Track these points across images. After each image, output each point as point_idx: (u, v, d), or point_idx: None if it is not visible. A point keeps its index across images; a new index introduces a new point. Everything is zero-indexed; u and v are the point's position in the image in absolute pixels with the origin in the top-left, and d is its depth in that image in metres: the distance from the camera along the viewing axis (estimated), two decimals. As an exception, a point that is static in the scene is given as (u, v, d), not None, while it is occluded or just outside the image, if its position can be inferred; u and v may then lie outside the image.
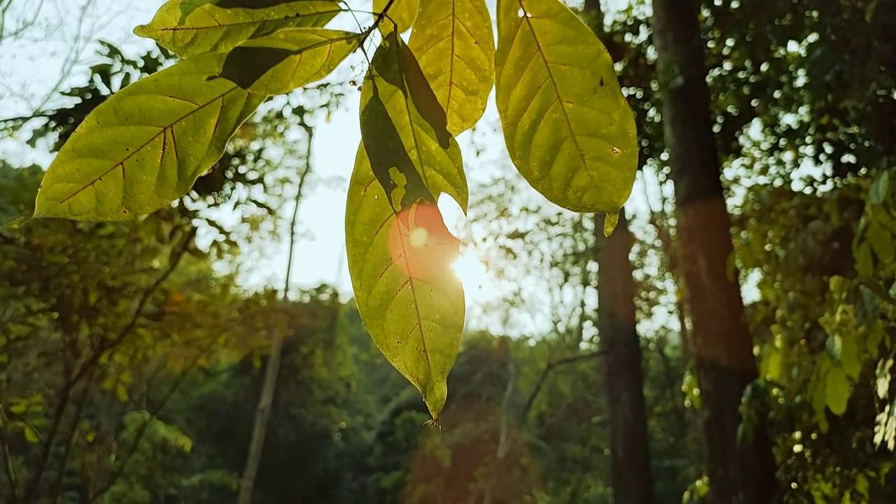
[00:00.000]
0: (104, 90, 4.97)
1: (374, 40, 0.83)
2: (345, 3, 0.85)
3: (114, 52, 4.99)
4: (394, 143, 0.80)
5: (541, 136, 0.85)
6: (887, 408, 2.97)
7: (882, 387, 2.84)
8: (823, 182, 7.92)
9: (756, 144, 10.88)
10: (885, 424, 2.96)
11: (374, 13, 0.84)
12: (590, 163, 0.84)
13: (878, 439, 2.98)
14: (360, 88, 0.82)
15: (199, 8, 0.80)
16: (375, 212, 0.81)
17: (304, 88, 7.20)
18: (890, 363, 2.85)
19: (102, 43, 4.99)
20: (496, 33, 0.86)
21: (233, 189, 5.96)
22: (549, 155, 0.85)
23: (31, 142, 5.24)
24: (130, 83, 0.79)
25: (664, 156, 10.01)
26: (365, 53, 0.83)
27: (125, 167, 0.77)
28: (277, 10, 0.82)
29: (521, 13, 0.83)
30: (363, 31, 0.83)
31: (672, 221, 19.94)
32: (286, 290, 21.66)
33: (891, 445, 2.85)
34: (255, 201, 6.18)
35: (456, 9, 0.88)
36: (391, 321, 0.80)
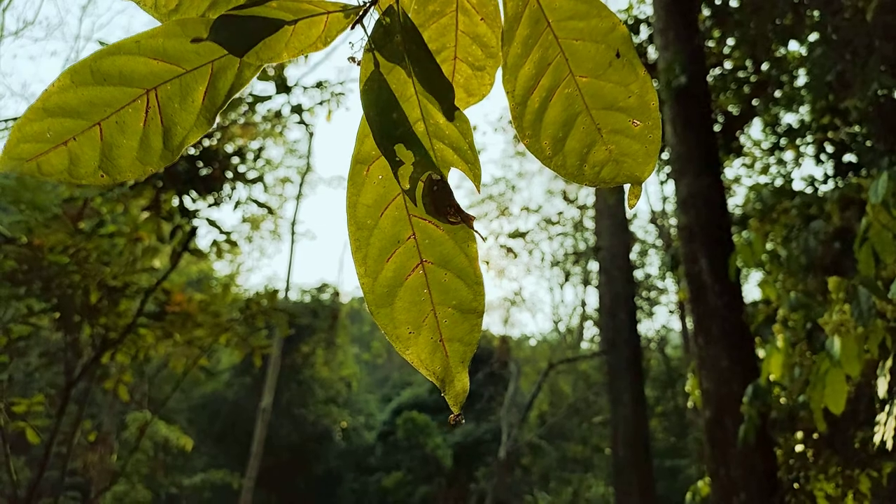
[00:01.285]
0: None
1: (374, 15, 0.79)
2: (342, -27, 0.81)
3: (114, 52, 4.99)
4: (398, 114, 0.74)
5: (552, 112, 0.80)
6: (887, 407, 2.97)
7: (882, 386, 2.84)
8: (825, 182, 7.91)
9: (757, 144, 10.88)
10: (885, 424, 2.96)
11: None
12: (607, 136, 0.79)
13: (877, 439, 2.98)
14: (359, 63, 0.78)
15: None
16: (380, 192, 0.76)
17: (304, 88, 7.20)
18: (889, 363, 2.84)
19: (102, 44, 5.00)
20: (502, 11, 0.82)
21: (233, 189, 5.96)
22: (562, 131, 0.80)
23: (32, 142, 5.23)
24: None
25: (665, 155, 10.00)
26: (364, 28, 0.78)
27: (103, 128, 0.72)
28: None
29: None
30: (362, 3, 0.79)
31: (673, 221, 19.93)
32: (287, 289, 21.67)
33: (889, 445, 2.85)
34: (255, 201, 6.18)
35: None
36: (401, 309, 0.75)
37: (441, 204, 0.71)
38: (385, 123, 0.73)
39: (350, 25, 0.78)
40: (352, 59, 0.78)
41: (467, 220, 0.71)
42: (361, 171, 0.76)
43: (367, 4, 0.79)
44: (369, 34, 0.77)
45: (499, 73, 0.86)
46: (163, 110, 0.73)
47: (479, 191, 0.78)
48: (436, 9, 0.86)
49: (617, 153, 0.80)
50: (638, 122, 0.78)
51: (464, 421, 0.74)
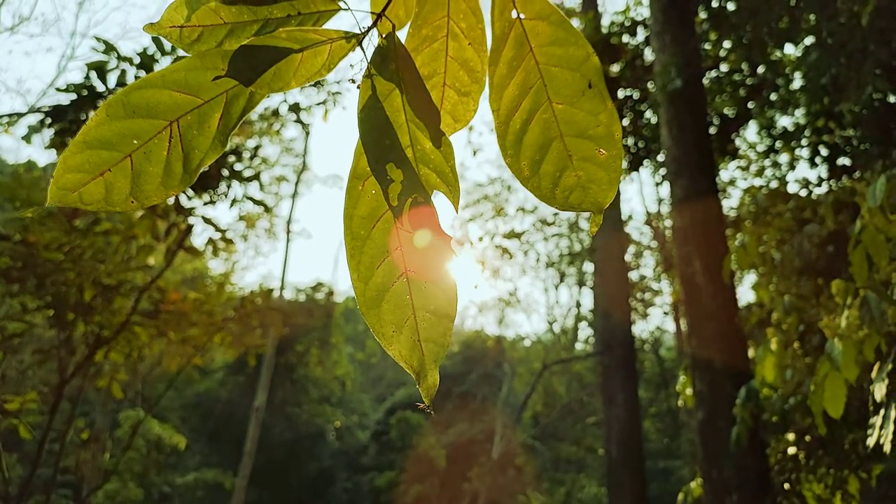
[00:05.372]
0: (100, 87, 4.96)
1: (373, 39, 0.86)
2: (344, 2, 0.88)
3: (110, 48, 4.98)
4: (391, 140, 0.83)
5: (531, 135, 0.88)
6: (882, 411, 2.98)
7: (879, 391, 2.84)
8: (819, 184, 7.94)
9: (752, 146, 10.92)
10: (879, 427, 2.97)
11: (372, 12, 0.87)
12: (577, 163, 0.87)
13: (871, 442, 2.99)
14: (358, 87, 0.85)
15: (205, 6, 0.83)
16: (373, 206, 0.84)
17: (302, 87, 7.20)
18: (889, 367, 2.85)
19: (98, 40, 4.98)
20: (490, 34, 0.89)
21: (229, 187, 5.95)
22: (539, 154, 0.88)
23: (27, 138, 5.22)
24: (126, 80, 0.81)
25: (661, 157, 10.02)
26: (364, 52, 0.85)
27: (133, 159, 0.80)
28: (280, 8, 0.85)
29: (514, 14, 0.85)
30: (362, 30, 0.86)
31: (668, 222, 19.97)
32: (282, 288, 21.63)
33: (886, 448, 2.86)
34: (251, 199, 6.17)
35: (451, 10, 0.91)
36: (387, 311, 0.83)
37: (424, 222, 0.80)
38: (379, 148, 0.82)
39: (351, 50, 0.86)
40: (352, 80, 0.86)
41: (445, 237, 0.80)
42: (357, 186, 0.84)
43: (368, 29, 0.86)
44: (368, 60, 0.85)
45: (484, 95, 0.93)
46: (183, 138, 0.82)
47: (456, 212, 0.87)
48: (429, 33, 0.93)
49: (585, 179, 0.88)
50: (604, 152, 0.86)
51: (433, 412, 0.84)
